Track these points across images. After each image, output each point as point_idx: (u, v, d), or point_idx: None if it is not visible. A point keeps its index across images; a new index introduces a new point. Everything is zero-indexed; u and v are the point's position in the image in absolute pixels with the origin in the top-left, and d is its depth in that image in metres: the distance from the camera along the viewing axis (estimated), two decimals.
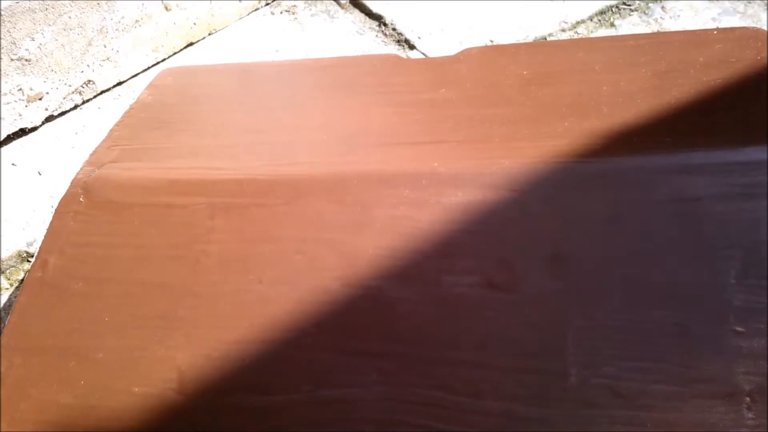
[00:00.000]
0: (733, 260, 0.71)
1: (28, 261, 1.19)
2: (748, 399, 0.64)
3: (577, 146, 0.82)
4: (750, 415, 0.63)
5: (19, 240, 1.21)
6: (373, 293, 0.75)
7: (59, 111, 1.42)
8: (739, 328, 0.67)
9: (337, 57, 1.18)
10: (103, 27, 1.37)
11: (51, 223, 0.89)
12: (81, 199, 0.89)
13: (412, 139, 0.90)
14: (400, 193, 0.82)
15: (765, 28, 1.85)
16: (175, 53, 1.61)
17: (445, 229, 0.78)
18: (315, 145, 0.92)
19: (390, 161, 0.86)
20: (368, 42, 1.73)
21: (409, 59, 1.13)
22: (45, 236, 0.88)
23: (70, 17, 1.31)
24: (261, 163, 0.89)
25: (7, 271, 1.17)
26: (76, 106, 1.44)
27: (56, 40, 1.31)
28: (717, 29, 1.08)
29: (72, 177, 0.92)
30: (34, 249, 1.20)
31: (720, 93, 0.90)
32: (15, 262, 1.19)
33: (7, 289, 1.15)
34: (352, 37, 1.74)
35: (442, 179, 0.82)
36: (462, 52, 1.11)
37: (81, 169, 0.94)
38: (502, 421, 0.67)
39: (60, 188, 1.27)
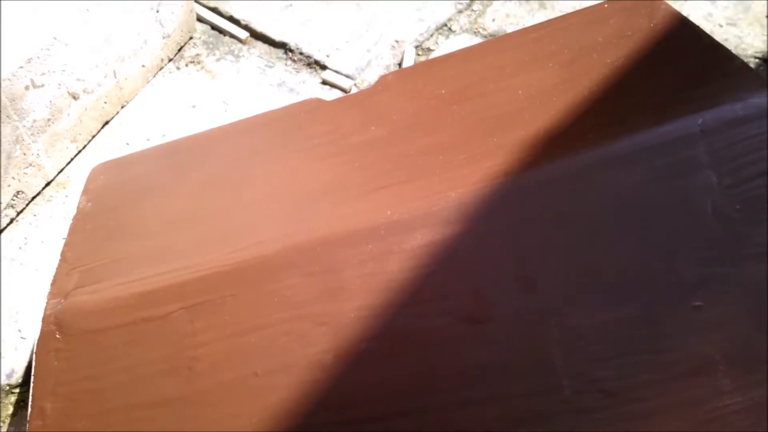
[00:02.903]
0: (677, 238, 0.77)
1: (12, 393, 1.19)
2: (721, 367, 0.70)
3: (510, 162, 0.87)
4: (726, 381, 0.70)
5: None
6: (364, 358, 0.78)
7: None
8: (697, 303, 0.73)
9: (262, 114, 1.20)
10: (18, 136, 1.35)
11: (34, 366, 0.89)
12: (57, 336, 0.90)
13: (359, 190, 0.93)
14: (364, 250, 0.85)
15: None
16: (93, 136, 1.59)
17: (415, 275, 0.82)
18: (268, 219, 0.95)
19: (345, 218, 0.89)
20: (279, 73, 1.73)
21: (329, 102, 1.15)
22: (33, 381, 0.88)
23: None
24: (222, 253, 0.91)
25: None
26: (12, 221, 1.42)
27: None
28: (607, 2, 1.13)
29: (31, 299, 0.92)
30: (16, 380, 1.19)
31: (625, 73, 0.95)
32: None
33: (0, 426, 1.14)
34: (262, 73, 1.74)
35: (399, 226, 0.85)
36: (379, 82, 1.14)
37: (47, 303, 0.94)
38: None
39: (22, 309, 1.26)
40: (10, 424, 1.15)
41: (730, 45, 1.64)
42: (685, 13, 1.76)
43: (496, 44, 1.14)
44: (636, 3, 1.08)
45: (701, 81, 0.89)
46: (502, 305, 0.79)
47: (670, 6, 1.04)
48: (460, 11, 1.89)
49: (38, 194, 1.48)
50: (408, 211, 0.86)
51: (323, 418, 0.76)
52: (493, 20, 1.85)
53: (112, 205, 1.10)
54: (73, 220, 1.10)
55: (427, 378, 0.76)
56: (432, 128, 0.99)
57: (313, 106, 1.15)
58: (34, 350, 0.91)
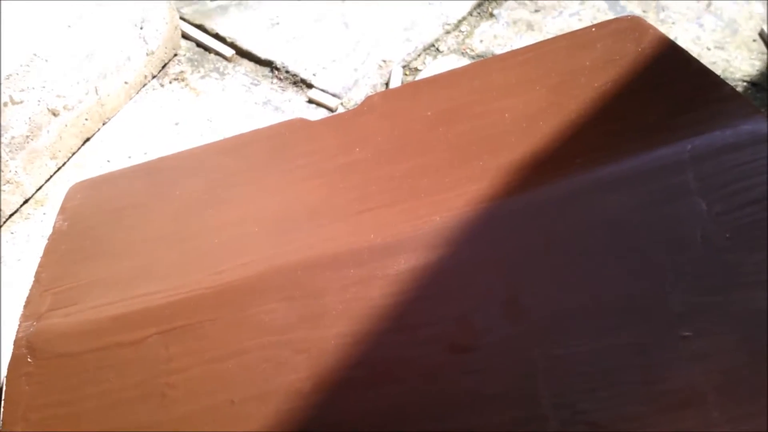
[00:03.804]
0: (666, 266, 0.76)
1: None
2: (711, 399, 0.69)
3: (496, 186, 0.86)
4: (716, 414, 0.68)
5: None
6: (344, 386, 0.76)
7: None
8: (686, 333, 0.72)
9: (246, 134, 1.18)
10: None
11: (5, 391, 0.86)
12: (29, 359, 0.87)
13: (342, 212, 0.91)
14: (346, 274, 0.83)
15: None
16: (73, 153, 1.57)
17: (397, 301, 0.80)
18: (249, 241, 0.92)
19: (327, 241, 0.87)
20: (265, 91, 1.72)
21: (313, 122, 1.14)
22: (3, 406, 0.85)
23: None
24: (201, 276, 0.89)
25: None
26: None
27: None
28: (595, 26, 1.13)
29: (5, 319, 0.90)
30: None
31: (613, 97, 0.94)
32: None
33: None
34: (248, 91, 1.73)
35: (382, 250, 0.83)
36: (365, 102, 1.12)
37: (19, 325, 0.91)
38: None
39: None
40: None
41: (718, 68, 1.65)
42: (673, 36, 1.77)
43: (483, 66, 1.14)
44: (624, 27, 1.08)
45: (690, 107, 0.89)
46: (488, 333, 0.77)
47: (658, 30, 1.04)
48: (448, 32, 1.89)
49: (16, 211, 1.45)
50: (392, 235, 0.84)
51: None
52: (481, 41, 1.85)
53: (90, 224, 1.08)
54: (48, 240, 1.07)
55: (408, 408, 0.74)
56: (417, 151, 0.98)
57: (297, 126, 1.14)
58: (5, 374, 0.88)
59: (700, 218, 0.78)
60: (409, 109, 1.07)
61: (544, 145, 0.89)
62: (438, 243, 0.82)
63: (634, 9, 1.91)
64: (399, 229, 0.85)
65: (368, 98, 1.13)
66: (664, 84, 0.94)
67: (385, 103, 1.11)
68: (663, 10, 1.93)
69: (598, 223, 0.80)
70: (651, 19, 1.93)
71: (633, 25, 1.08)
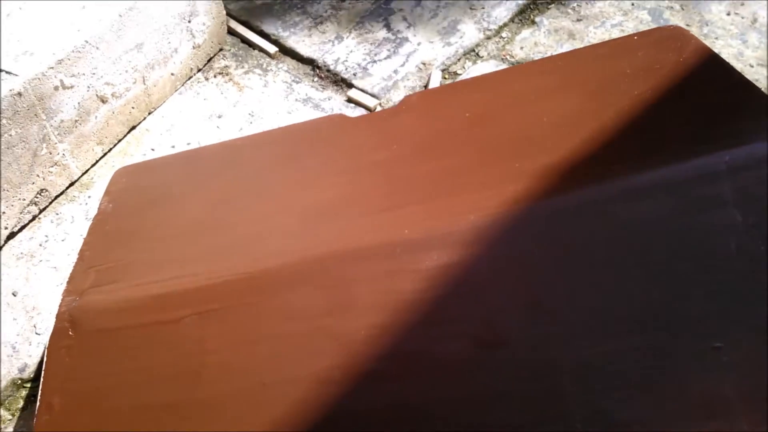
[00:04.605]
0: (699, 275, 0.76)
1: (24, 387, 1.19)
2: (736, 409, 0.69)
3: (532, 188, 0.86)
4: (744, 426, 0.68)
5: (10, 368, 1.21)
6: (373, 376, 0.78)
7: (19, 226, 1.41)
8: (717, 344, 0.72)
9: (285, 127, 1.21)
10: (44, 135, 1.37)
11: (46, 362, 0.90)
12: (70, 333, 0.91)
13: (376, 206, 0.93)
14: (377, 266, 0.85)
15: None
16: (119, 140, 1.61)
17: (427, 296, 0.81)
18: (283, 231, 0.95)
19: (361, 234, 0.89)
20: (306, 89, 1.75)
21: (353, 118, 1.16)
22: (43, 376, 0.89)
23: (11, 135, 1.30)
24: (237, 262, 0.91)
25: (6, 402, 1.17)
26: (34, 218, 1.44)
27: (2, 160, 1.30)
28: (637, 34, 1.13)
29: (48, 296, 0.93)
30: (28, 374, 1.20)
31: (652, 105, 0.95)
32: (11, 391, 1.19)
33: (10, 420, 1.15)
34: (289, 87, 1.76)
35: (414, 245, 0.85)
36: (403, 101, 1.14)
37: (62, 299, 0.95)
38: None
39: (39, 305, 1.27)
40: (19, 418, 1.15)
41: (761, 85, 1.63)
42: (715, 51, 1.76)
43: (523, 71, 1.15)
44: (666, 36, 1.08)
45: (729, 118, 0.89)
46: (515, 332, 0.78)
47: (701, 41, 1.04)
48: (489, 37, 1.90)
49: (61, 193, 1.49)
50: (424, 231, 0.86)
51: None
52: (521, 48, 1.86)
53: (132, 208, 1.11)
54: (93, 220, 1.11)
55: (435, 402, 0.76)
56: (453, 150, 0.99)
57: (336, 121, 1.16)
58: (47, 346, 0.91)
59: (736, 229, 0.78)
60: (446, 110, 1.08)
61: (580, 149, 0.90)
62: (471, 241, 0.83)
63: (678, 22, 1.90)
64: (432, 225, 0.86)
65: (406, 98, 1.15)
66: (704, 94, 0.94)
67: (423, 103, 1.13)
68: (707, 25, 1.91)
69: (633, 229, 0.80)
70: (694, 33, 1.91)
71: (675, 34, 1.08)
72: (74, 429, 0.83)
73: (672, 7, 1.97)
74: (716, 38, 1.82)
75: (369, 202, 0.95)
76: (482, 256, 0.83)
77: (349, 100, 1.68)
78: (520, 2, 1.97)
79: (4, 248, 1.40)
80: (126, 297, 0.92)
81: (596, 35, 1.84)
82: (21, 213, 1.41)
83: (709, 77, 0.97)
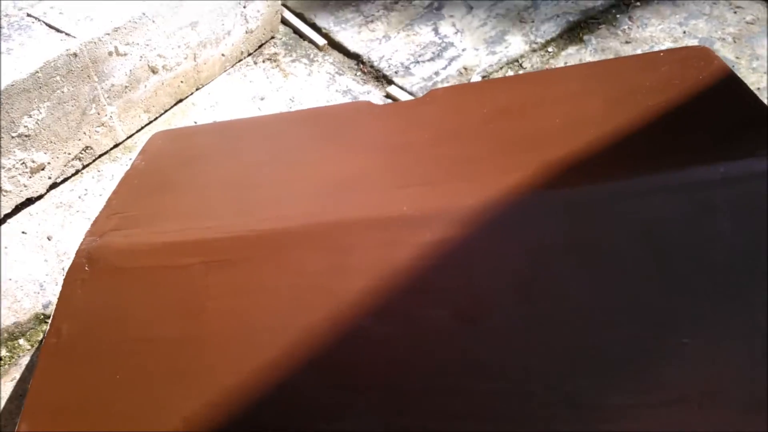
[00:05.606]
0: (691, 276, 0.79)
1: (46, 322, 1.27)
2: (699, 401, 0.71)
3: (536, 179, 0.90)
4: (700, 416, 0.70)
5: (35, 303, 1.30)
6: (358, 332, 0.82)
7: (62, 178, 1.51)
8: (685, 339, 0.74)
9: (314, 108, 1.27)
10: (95, 96, 1.46)
11: (61, 292, 0.97)
12: (86, 268, 0.97)
13: (385, 184, 0.98)
14: (375, 236, 0.89)
15: (754, 27, 1.93)
16: (165, 111, 1.70)
17: (418, 266, 0.85)
18: (295, 198, 1.00)
19: (365, 207, 0.94)
20: (347, 81, 1.81)
21: (379, 105, 1.21)
22: (57, 304, 0.96)
23: (63, 92, 1.40)
24: (248, 220, 0.97)
25: (27, 333, 1.26)
26: (77, 172, 1.53)
27: (52, 114, 1.40)
28: (664, 51, 1.15)
29: (79, 242, 1.00)
30: (50, 311, 1.28)
31: (665, 115, 0.97)
32: (33, 324, 1.27)
33: (29, 350, 1.23)
34: (331, 78, 1.82)
35: (412, 221, 0.89)
36: (429, 94, 1.19)
37: (84, 239, 1.02)
38: None
39: (70, 251, 1.36)
40: (37, 349, 1.23)
41: None
42: (763, 84, 1.75)
43: (547, 75, 1.18)
44: (691, 55, 1.10)
45: (737, 135, 0.90)
46: (497, 310, 0.81)
47: (724, 62, 1.05)
48: (534, 50, 1.93)
49: (105, 153, 1.59)
50: (423, 209, 0.90)
51: (310, 379, 0.81)
52: (565, 63, 1.88)
53: (163, 166, 1.18)
54: (124, 174, 1.18)
55: (409, 361, 0.80)
56: (468, 140, 1.03)
57: (363, 107, 1.22)
58: (64, 278, 0.98)
59: (722, 237, 0.80)
60: (467, 104, 1.12)
61: (590, 148, 0.93)
62: (467, 222, 0.87)
63: (728, 54, 1.89)
64: (431, 205, 0.90)
65: (432, 91, 1.19)
66: (716, 111, 0.96)
67: (447, 96, 1.17)
68: (757, 59, 1.90)
69: (625, 227, 0.83)
70: (743, 65, 1.90)
71: (700, 54, 1.10)
72: (78, 353, 0.90)
73: (724, 39, 1.96)
74: (765, 72, 1.81)
75: (379, 180, 1.00)
76: (476, 237, 0.86)
77: (387, 96, 1.74)
78: (571, 19, 2.00)
79: (45, 196, 1.49)
80: (142, 242, 0.98)
81: None
82: (65, 165, 1.51)
83: (724, 96, 0.98)
